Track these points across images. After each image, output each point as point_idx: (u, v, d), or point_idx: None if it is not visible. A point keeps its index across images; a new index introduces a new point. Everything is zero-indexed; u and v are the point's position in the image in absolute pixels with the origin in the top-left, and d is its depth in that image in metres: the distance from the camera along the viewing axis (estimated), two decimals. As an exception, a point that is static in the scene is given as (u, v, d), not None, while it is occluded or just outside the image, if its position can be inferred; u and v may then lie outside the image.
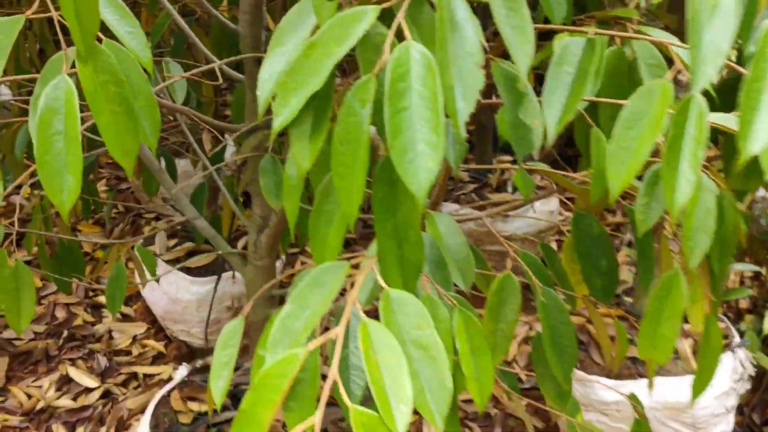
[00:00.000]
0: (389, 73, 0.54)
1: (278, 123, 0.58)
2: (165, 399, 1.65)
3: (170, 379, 2.27)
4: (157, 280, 1.50)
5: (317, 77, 0.57)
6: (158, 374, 2.29)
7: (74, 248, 1.56)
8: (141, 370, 2.30)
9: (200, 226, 1.41)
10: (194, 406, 1.66)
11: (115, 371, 2.31)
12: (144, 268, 1.44)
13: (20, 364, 2.35)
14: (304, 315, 0.62)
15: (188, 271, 2.52)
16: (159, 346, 2.40)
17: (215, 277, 2.41)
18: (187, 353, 2.37)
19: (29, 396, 2.22)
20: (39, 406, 2.19)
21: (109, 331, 2.48)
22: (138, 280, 1.54)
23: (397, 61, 0.54)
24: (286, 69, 0.58)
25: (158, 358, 2.38)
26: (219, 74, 1.19)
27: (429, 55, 0.54)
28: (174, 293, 2.46)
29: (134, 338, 2.44)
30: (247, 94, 1.29)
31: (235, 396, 1.65)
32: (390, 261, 0.63)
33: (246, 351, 1.99)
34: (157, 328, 2.49)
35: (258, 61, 1.25)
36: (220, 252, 1.40)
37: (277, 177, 1.17)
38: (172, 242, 2.50)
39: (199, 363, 1.83)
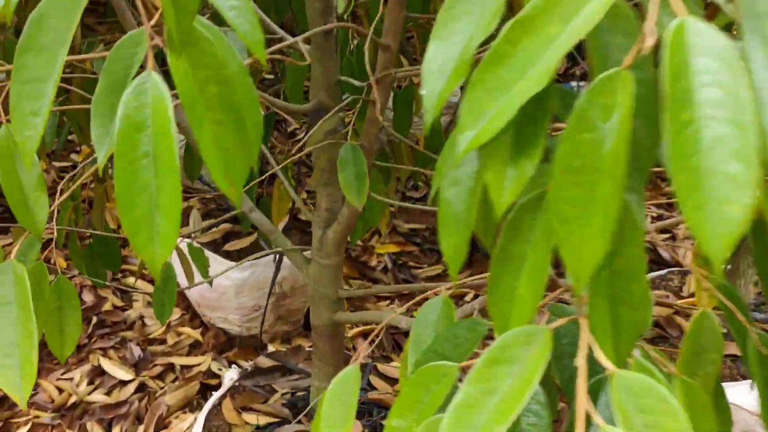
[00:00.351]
0: (667, 64, 0.34)
1: (468, 141, 0.39)
2: (216, 409, 1.49)
3: (209, 371, 2.12)
4: (210, 283, 1.33)
5: (533, 73, 0.37)
6: (196, 365, 2.13)
7: (110, 242, 1.38)
8: (178, 361, 2.14)
9: (256, 218, 1.23)
10: (250, 417, 1.50)
11: (149, 362, 2.16)
12: (193, 267, 1.27)
13: (48, 354, 2.20)
14: (489, 403, 0.44)
15: (226, 255, 2.35)
16: (195, 333, 2.24)
17: (256, 262, 2.24)
18: (226, 342, 2.21)
19: (60, 390, 2.07)
20: (71, 400, 2.04)
21: (141, 318, 2.32)
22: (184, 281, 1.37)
23: (674, 46, 0.35)
24: (481, 61, 0.39)
25: (195, 348, 2.22)
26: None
27: (722, 38, 0.35)
28: None
29: (168, 325, 2.28)
30: (314, 67, 1.09)
31: (294, 405, 1.49)
32: (600, 323, 0.45)
33: (299, 351, 1.82)
34: (191, 314, 2.33)
35: (327, 33, 1.05)
36: (279, 249, 1.22)
37: (358, 168, 0.98)
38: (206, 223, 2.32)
39: (249, 366, 1.67)
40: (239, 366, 1.73)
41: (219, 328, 2.22)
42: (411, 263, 2.71)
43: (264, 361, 1.70)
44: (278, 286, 2.23)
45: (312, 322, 1.32)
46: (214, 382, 2.08)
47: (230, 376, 1.62)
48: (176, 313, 2.32)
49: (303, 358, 1.76)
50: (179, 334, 2.25)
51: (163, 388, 2.07)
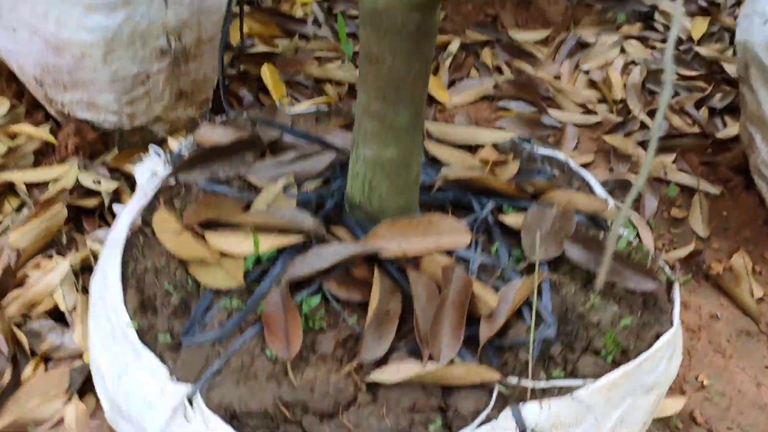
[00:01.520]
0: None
1: None
2: (140, 238, 0.73)
3: (80, 188, 1.29)
4: None
5: None
6: (54, 181, 1.29)
7: None
8: (20, 177, 1.29)
9: None
10: (223, 242, 0.75)
11: (-30, 184, 1.29)
12: None
13: None
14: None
15: None
16: (42, 133, 1.37)
17: None
18: (96, 141, 1.37)
19: None
20: None
21: (-58, 116, 1.41)
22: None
23: None
24: None
25: (44, 155, 1.37)
26: None
27: None
28: (55, 32, 1.40)
29: (-8, 124, 1.39)
30: None
31: (313, 203, 0.76)
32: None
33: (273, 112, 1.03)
34: (29, 103, 1.45)
35: None
36: None
37: None
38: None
39: (187, 143, 0.89)
40: (164, 148, 0.94)
41: (81, 119, 1.37)
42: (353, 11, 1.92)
43: (218, 133, 0.92)
44: (173, 39, 1.38)
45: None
46: (91, 203, 1.27)
47: (148, 170, 0.84)
48: (2, 104, 1.42)
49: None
50: (13, 136, 1.37)
51: (0, 222, 1.23)
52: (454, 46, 1.94)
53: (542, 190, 0.94)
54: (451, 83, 1.86)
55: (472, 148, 1.03)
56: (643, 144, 1.71)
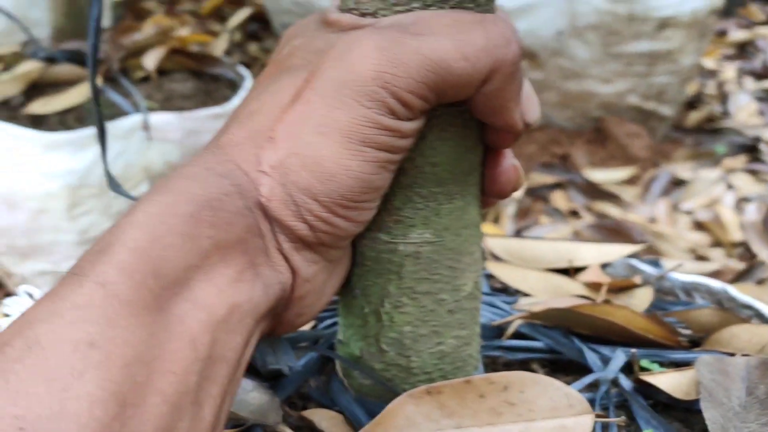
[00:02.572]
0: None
1: None
2: None
3: None
4: None
5: None
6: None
7: None
8: None
9: None
10: None
11: None
12: None
13: None
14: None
15: (34, 123, 1.18)
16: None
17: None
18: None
19: None
20: None
21: None
22: None
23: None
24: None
25: None
26: None
27: None
28: (6, 180, 1.13)
29: None
30: None
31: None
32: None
33: None
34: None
35: None
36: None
37: None
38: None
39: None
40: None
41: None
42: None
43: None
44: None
45: None
46: None
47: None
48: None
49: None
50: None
51: None
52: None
53: (710, 328, 0.52)
54: (517, 233, 1.48)
55: (573, 274, 0.62)
56: (786, 294, 1.26)
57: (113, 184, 0.42)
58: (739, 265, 1.36)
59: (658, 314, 0.54)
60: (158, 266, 0.26)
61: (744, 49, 2.39)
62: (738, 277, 1.32)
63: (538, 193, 1.61)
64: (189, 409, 0.26)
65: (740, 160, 1.68)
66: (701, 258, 1.39)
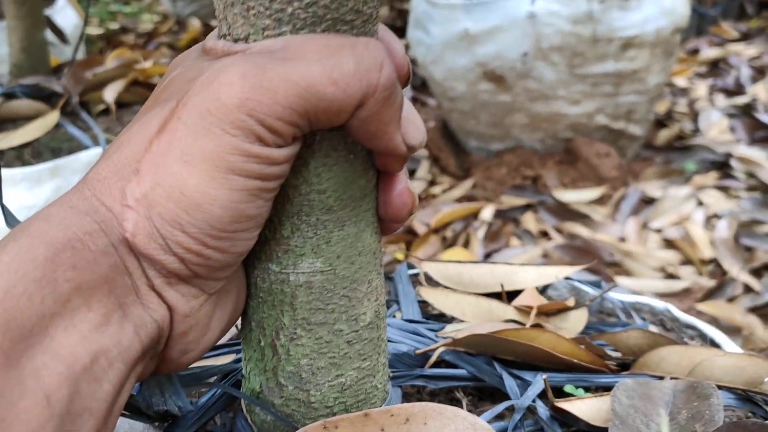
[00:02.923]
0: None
1: None
2: None
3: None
4: None
5: None
6: None
7: None
8: None
9: None
10: None
11: None
12: None
13: None
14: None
15: None
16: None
17: (64, 163, 1.11)
18: None
19: None
20: None
21: None
22: None
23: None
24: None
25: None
26: None
27: None
28: None
29: None
30: None
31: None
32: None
33: None
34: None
35: None
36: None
37: None
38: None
39: None
40: None
41: None
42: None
43: None
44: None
45: None
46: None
47: None
48: None
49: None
50: None
51: None
52: (487, 213, 1.57)
53: (639, 351, 0.51)
54: (487, 255, 1.47)
55: (505, 298, 0.61)
56: (754, 310, 1.25)
57: (11, 219, 0.41)
58: (709, 283, 1.36)
59: (586, 338, 0.52)
60: (10, 318, 0.25)
61: (716, 67, 2.40)
62: (708, 295, 1.31)
63: (508, 215, 1.60)
64: None
65: (711, 177, 1.68)
66: (671, 276, 1.38)
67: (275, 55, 0.30)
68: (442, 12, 1.67)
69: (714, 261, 1.42)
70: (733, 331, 1.22)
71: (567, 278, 0.66)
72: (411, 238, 1.53)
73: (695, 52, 2.51)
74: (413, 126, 0.34)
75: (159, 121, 0.30)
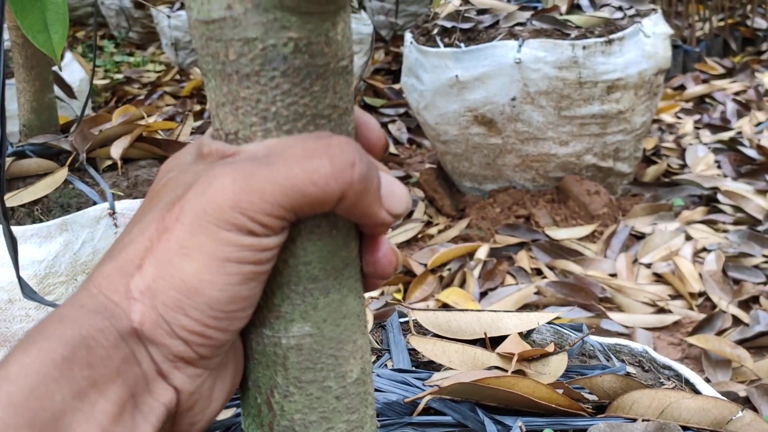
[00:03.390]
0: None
1: None
2: None
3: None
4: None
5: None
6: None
7: None
8: None
9: None
10: None
11: None
12: None
13: None
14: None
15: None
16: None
17: (72, 219, 1.14)
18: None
19: None
20: None
21: None
22: None
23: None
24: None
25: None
26: None
27: None
28: None
29: None
30: None
31: None
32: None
33: None
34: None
35: None
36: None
37: None
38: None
39: None
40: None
41: None
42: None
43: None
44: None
45: None
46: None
47: None
48: None
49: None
50: None
51: None
52: (482, 252, 1.62)
53: (614, 394, 0.55)
54: (483, 294, 1.51)
55: (489, 346, 0.65)
56: (743, 343, 1.29)
57: (28, 290, 0.46)
58: (699, 316, 1.39)
59: (564, 382, 0.57)
60: (34, 417, 0.28)
61: (702, 102, 2.46)
62: (698, 328, 1.35)
63: (503, 254, 1.64)
64: None
65: (698, 212, 1.72)
66: (662, 310, 1.42)
67: (260, 160, 0.35)
68: (433, 60, 1.74)
69: (703, 294, 1.46)
70: (722, 363, 1.25)
71: (549, 323, 0.70)
72: (409, 279, 1.57)
73: (681, 88, 2.58)
74: (395, 197, 0.38)
75: (158, 224, 0.34)
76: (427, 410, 0.54)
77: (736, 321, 1.37)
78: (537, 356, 0.63)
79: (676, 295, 1.46)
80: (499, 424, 0.52)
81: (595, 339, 0.70)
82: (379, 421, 0.53)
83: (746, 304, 1.41)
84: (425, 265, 1.61)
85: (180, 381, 0.35)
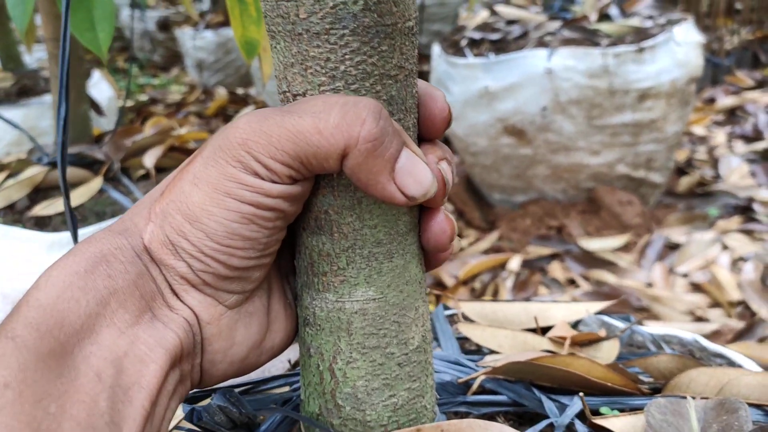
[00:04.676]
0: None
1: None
2: None
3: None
4: None
5: None
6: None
7: None
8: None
9: None
10: None
11: None
12: None
13: None
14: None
15: (38, 225, 1.23)
16: None
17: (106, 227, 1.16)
18: None
19: None
20: None
21: None
22: None
23: None
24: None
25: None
26: None
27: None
28: (10, 280, 1.17)
29: None
30: None
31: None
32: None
33: None
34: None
35: None
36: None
37: None
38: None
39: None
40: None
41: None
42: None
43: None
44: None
45: None
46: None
47: None
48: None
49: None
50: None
51: None
52: (514, 263, 1.60)
53: (669, 374, 0.53)
54: (516, 304, 1.49)
55: (539, 331, 0.64)
56: (787, 350, 1.26)
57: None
58: (738, 324, 1.37)
59: (618, 364, 0.55)
60: (62, 318, 0.31)
61: (734, 114, 2.44)
62: (738, 336, 1.32)
63: (535, 265, 1.63)
64: (104, 428, 0.30)
65: (734, 221, 1.70)
66: (700, 319, 1.40)
67: (283, 109, 0.36)
68: (463, 71, 1.74)
69: (742, 303, 1.43)
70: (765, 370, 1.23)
71: (597, 314, 0.69)
72: (440, 291, 1.56)
73: (712, 101, 2.56)
74: (412, 177, 0.37)
75: (187, 161, 0.37)
76: (481, 390, 0.53)
77: (778, 329, 1.34)
78: (588, 341, 0.61)
79: (715, 304, 1.44)
80: (555, 402, 0.51)
81: (645, 329, 0.68)
82: (432, 401, 0.52)
83: (787, 312, 1.39)
84: (456, 277, 1.60)
85: (194, 302, 0.37)
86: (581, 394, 0.48)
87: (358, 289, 0.40)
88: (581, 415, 0.49)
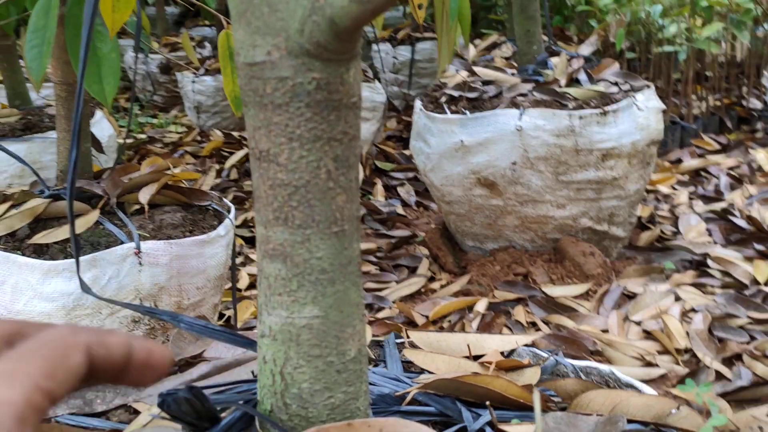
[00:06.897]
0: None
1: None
2: None
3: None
4: None
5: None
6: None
7: None
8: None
9: None
10: None
11: None
12: None
13: None
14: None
15: (37, 252, 1.32)
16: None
17: (102, 255, 1.25)
18: None
19: None
20: None
21: None
22: None
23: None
24: None
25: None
26: None
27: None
28: (10, 301, 1.26)
29: None
30: None
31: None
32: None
33: None
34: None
35: None
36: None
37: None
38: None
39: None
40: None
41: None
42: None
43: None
44: (149, 306, 1.20)
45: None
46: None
47: None
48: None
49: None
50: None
51: None
52: (481, 305, 1.71)
53: (573, 393, 0.64)
54: (481, 345, 1.59)
55: (472, 358, 0.74)
56: (725, 396, 1.36)
57: (84, 287, 0.56)
58: (684, 370, 1.47)
59: (533, 385, 0.66)
60: None
61: (698, 175, 2.58)
62: (682, 381, 1.42)
63: (501, 308, 1.73)
64: None
65: (689, 275, 1.81)
66: (650, 364, 1.50)
67: None
68: (441, 125, 1.87)
69: (689, 351, 1.53)
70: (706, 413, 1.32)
71: (527, 345, 0.80)
72: (410, 329, 1.66)
73: (678, 161, 2.70)
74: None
75: None
76: (414, 402, 0.63)
77: (719, 376, 1.44)
78: (513, 367, 0.72)
79: (664, 351, 1.54)
80: (474, 413, 0.61)
81: (568, 361, 0.79)
82: (372, 409, 0.62)
83: (730, 361, 1.49)
84: (427, 317, 1.70)
85: None
86: (488, 402, 0.58)
87: (306, 308, 0.51)
88: (493, 424, 0.59)
